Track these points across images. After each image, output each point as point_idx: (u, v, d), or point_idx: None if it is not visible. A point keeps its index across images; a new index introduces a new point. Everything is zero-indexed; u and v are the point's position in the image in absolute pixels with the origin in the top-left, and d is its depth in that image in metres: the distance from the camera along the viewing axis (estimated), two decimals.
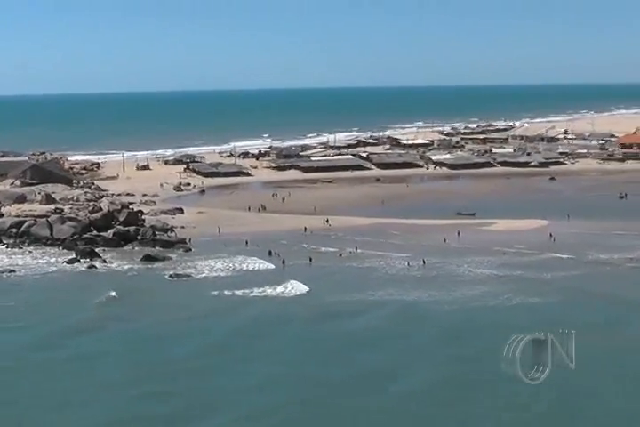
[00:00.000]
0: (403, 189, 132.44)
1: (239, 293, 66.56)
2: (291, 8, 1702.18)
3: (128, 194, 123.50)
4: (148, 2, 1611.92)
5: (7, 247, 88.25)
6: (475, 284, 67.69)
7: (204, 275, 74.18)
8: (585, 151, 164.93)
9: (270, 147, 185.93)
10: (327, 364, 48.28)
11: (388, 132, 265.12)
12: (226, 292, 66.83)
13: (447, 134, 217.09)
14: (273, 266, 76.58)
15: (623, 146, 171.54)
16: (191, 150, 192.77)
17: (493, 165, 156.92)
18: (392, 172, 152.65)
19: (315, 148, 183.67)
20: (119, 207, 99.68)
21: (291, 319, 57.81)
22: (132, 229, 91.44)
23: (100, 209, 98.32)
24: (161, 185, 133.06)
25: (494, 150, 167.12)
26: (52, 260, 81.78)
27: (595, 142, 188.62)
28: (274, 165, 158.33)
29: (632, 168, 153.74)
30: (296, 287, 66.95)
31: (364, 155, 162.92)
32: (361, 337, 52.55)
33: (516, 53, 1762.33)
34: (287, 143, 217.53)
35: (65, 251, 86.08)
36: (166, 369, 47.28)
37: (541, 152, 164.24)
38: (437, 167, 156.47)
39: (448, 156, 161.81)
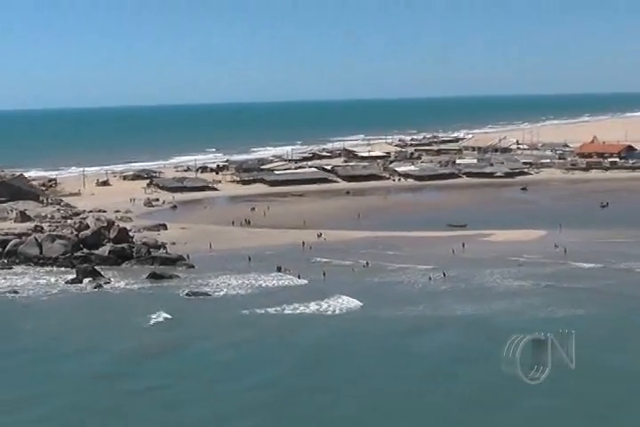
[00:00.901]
0: (381, 202, 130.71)
1: (271, 310, 63.41)
2: (230, 24, 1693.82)
3: (100, 210, 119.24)
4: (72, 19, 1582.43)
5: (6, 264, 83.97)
6: (512, 296, 65.76)
7: (222, 293, 70.91)
8: (549, 161, 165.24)
9: (227, 161, 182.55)
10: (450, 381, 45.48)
11: (329, 146, 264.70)
12: (257, 310, 63.60)
13: (402, 146, 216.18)
14: (295, 282, 73.71)
15: (582, 155, 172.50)
16: (141, 165, 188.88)
17: (459, 176, 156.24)
18: (359, 184, 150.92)
19: (272, 161, 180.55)
20: (105, 224, 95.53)
21: (367, 336, 54.85)
22: (126, 246, 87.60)
23: (88, 226, 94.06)
24: (131, 201, 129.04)
25: (458, 161, 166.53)
26: (53, 280, 77.70)
27: (549, 153, 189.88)
28: (237, 178, 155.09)
29: (598, 177, 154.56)
30: (347, 302, 64.15)
31: (329, 167, 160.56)
32: (458, 354, 49.90)
33: (439, 67, 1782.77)
34: (235, 157, 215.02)
35: (61, 270, 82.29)
36: (259, 399, 43.61)
37: (504, 162, 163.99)
38: (403, 179, 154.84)
39: (412, 167, 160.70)
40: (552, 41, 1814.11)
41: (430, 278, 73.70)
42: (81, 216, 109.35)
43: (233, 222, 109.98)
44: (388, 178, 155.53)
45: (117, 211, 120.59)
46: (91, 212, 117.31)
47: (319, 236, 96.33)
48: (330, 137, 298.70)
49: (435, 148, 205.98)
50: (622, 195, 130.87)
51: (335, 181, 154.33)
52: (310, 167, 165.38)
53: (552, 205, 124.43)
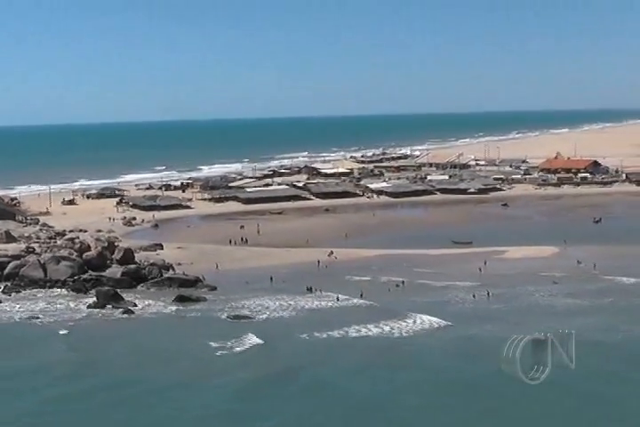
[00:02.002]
0: (369, 219, 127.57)
1: (335, 334, 59.88)
2: (167, 41, 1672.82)
3: (80, 230, 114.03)
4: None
5: (4, 291, 78.42)
6: (578, 315, 63.20)
7: (265, 316, 66.98)
8: (520, 177, 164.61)
9: (190, 178, 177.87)
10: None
11: (275, 163, 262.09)
12: (316, 333, 59.95)
13: (361, 162, 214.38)
14: (338, 303, 70.22)
15: (548, 171, 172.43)
16: (92, 184, 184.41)
17: (433, 193, 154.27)
18: (334, 201, 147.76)
19: (235, 179, 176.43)
20: (106, 244, 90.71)
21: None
22: (139, 267, 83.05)
23: (89, 247, 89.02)
24: (110, 220, 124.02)
25: (429, 177, 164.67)
26: (72, 304, 72.78)
27: (509, 168, 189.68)
28: (208, 196, 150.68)
29: (573, 192, 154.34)
30: (428, 321, 60.92)
31: (301, 184, 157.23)
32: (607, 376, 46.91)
33: (368, 86, 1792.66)
34: (187, 175, 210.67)
35: (73, 294, 77.28)
36: None
37: (474, 179, 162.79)
38: (376, 196, 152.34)
39: (385, 184, 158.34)
40: (472, 60, 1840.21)
41: (474, 296, 71.08)
42: (69, 236, 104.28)
43: (230, 241, 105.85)
44: (362, 195, 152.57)
45: (99, 230, 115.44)
46: (72, 231, 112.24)
47: (330, 254, 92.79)
48: (274, 154, 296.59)
49: (395, 164, 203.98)
50: (609, 210, 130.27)
51: (309, 199, 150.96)
52: (280, 184, 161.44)
53: (544, 220, 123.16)
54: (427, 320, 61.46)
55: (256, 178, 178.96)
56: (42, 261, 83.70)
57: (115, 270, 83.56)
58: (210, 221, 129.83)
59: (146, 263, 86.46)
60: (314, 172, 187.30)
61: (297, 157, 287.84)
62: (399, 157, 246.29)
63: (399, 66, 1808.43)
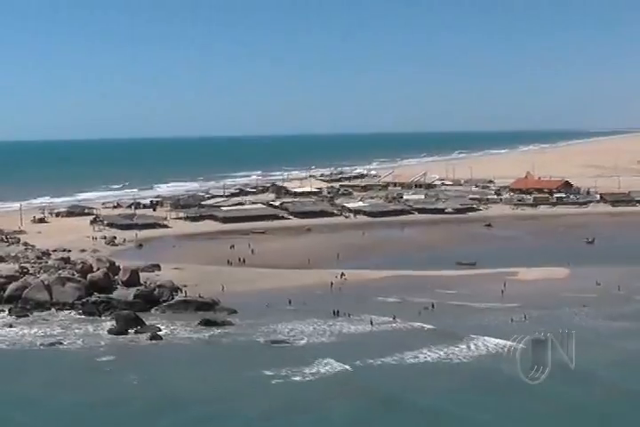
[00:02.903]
0: (359, 239, 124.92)
1: (390, 360, 57.15)
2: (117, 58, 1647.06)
3: (64, 249, 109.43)
4: None
5: (10, 314, 74.04)
6: (629, 338, 61.58)
7: (304, 341, 64.10)
8: (495, 197, 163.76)
9: (158, 196, 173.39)
10: None
11: (228, 181, 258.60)
12: (370, 360, 57.11)
13: (329, 181, 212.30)
14: (377, 327, 67.59)
15: (519, 191, 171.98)
16: (46, 201, 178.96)
17: (411, 213, 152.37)
18: (313, 221, 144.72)
19: (205, 197, 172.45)
20: (108, 265, 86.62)
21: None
22: (149, 289, 79.31)
23: (91, 267, 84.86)
24: (93, 239, 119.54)
25: (405, 197, 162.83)
26: (90, 329, 68.78)
27: (475, 188, 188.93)
28: (183, 215, 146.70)
29: (551, 213, 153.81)
30: (494, 344, 58.39)
31: (276, 203, 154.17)
32: None
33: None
34: (145, 193, 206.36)
35: (85, 317, 73.54)
36: None
37: (449, 199, 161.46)
38: (353, 215, 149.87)
39: (361, 203, 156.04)
40: (397, 82, 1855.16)
41: (512, 320, 68.90)
42: (59, 256, 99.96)
43: (228, 261, 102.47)
44: (340, 214, 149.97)
45: (83, 250, 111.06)
46: (55, 251, 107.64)
47: (342, 276, 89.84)
48: (228, 172, 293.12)
49: (362, 184, 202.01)
50: (594, 230, 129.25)
51: (287, 218, 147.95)
52: (254, 203, 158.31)
53: (535, 241, 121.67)
54: (491, 342, 58.97)
55: (225, 196, 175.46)
56: (46, 283, 79.39)
57: (123, 292, 79.79)
58: (193, 241, 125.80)
59: (152, 285, 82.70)
60: (283, 190, 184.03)
61: (250, 176, 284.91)
62: (356, 177, 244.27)
63: (331, 87, 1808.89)
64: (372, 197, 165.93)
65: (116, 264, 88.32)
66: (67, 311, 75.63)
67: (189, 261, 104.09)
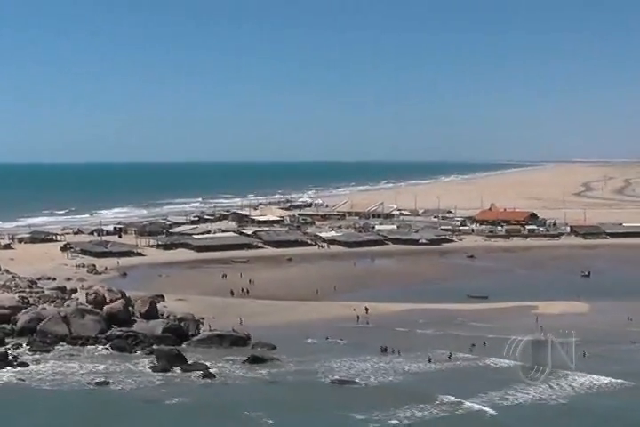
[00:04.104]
0: (352, 270, 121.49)
1: (498, 399, 53.60)
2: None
3: (49, 278, 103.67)
4: None
5: (31, 349, 68.36)
6: None
7: (372, 380, 60.03)
8: (467, 228, 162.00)
9: (120, 223, 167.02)
10: None
11: (168, 208, 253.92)
12: (470, 404, 53.53)
13: (286, 209, 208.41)
14: (440, 365, 64.03)
15: (484, 222, 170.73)
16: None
17: (385, 243, 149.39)
18: (289, 250, 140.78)
19: (170, 225, 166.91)
20: (120, 296, 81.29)
21: None
22: (177, 323, 74.34)
23: (104, 298, 79.41)
24: (77, 266, 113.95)
25: (378, 227, 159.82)
26: (131, 366, 63.63)
27: (434, 219, 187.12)
28: (153, 242, 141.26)
29: (526, 245, 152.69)
30: (596, 380, 55.27)
31: (248, 232, 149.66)
32: None
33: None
34: (93, 219, 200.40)
35: (116, 352, 68.27)
36: None
37: (419, 230, 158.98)
38: (326, 245, 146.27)
39: (334, 233, 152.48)
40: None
41: (585, 355, 66.09)
42: (54, 285, 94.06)
43: (232, 292, 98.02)
44: (314, 244, 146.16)
45: (68, 278, 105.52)
46: (39, 279, 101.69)
47: (367, 311, 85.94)
48: (168, 199, 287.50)
49: (320, 213, 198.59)
50: (583, 263, 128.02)
51: (261, 247, 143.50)
52: (224, 231, 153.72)
53: (528, 274, 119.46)
54: (589, 378, 56.02)
55: (189, 224, 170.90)
56: (62, 315, 73.85)
57: (143, 326, 74.72)
58: (175, 269, 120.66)
59: (171, 317, 77.78)
60: (245, 218, 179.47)
61: (190, 203, 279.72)
62: (303, 205, 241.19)
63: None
64: (341, 227, 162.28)
65: (127, 296, 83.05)
66: (91, 346, 69.94)
67: (186, 291, 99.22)
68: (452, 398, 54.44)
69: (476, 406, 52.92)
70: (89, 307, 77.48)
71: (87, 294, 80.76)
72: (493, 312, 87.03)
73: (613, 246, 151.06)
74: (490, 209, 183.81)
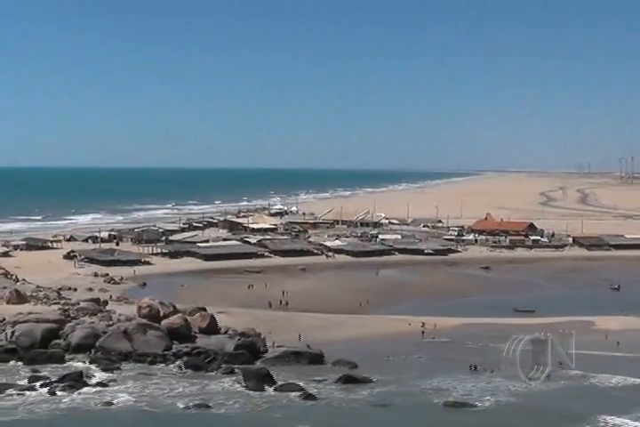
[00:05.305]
0: (375, 281, 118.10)
1: None
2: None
3: (70, 288, 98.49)
4: None
5: (98, 367, 63.48)
6: None
7: (486, 402, 56.13)
8: (471, 238, 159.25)
9: (112, 230, 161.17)
10: None
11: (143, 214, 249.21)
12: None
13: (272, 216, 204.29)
14: (546, 385, 60.38)
15: (483, 232, 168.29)
16: None
17: (392, 253, 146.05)
18: (297, 260, 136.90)
19: (157, 231, 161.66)
20: (171, 309, 76.45)
21: None
22: (249, 339, 69.99)
23: (158, 312, 74.51)
24: (95, 276, 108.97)
25: (382, 236, 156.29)
26: (221, 387, 59.08)
27: (425, 228, 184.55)
28: (157, 250, 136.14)
29: (532, 256, 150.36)
30: None
31: (253, 241, 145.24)
32: None
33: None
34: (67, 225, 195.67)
35: (191, 371, 63.53)
36: None
37: (422, 240, 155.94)
38: (331, 255, 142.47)
39: (339, 242, 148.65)
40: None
41: None
42: (87, 297, 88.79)
43: (270, 304, 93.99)
44: (321, 253, 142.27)
45: (90, 289, 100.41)
46: (60, 289, 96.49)
47: (423, 325, 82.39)
48: (135, 205, 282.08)
49: (310, 221, 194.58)
50: (602, 275, 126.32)
51: (268, 256, 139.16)
52: (225, 240, 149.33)
53: (558, 287, 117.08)
54: None
55: (180, 230, 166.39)
56: (122, 329, 68.90)
57: (206, 341, 70.08)
58: (194, 279, 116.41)
59: (230, 332, 73.24)
60: (239, 226, 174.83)
61: (161, 209, 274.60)
62: (279, 213, 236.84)
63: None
64: (346, 236, 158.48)
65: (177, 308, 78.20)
66: (160, 365, 65.17)
67: (217, 303, 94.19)
68: (609, 418, 50.97)
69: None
70: (144, 321, 72.42)
71: (140, 307, 75.45)
72: (552, 328, 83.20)
73: (619, 259, 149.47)
74: (486, 219, 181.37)
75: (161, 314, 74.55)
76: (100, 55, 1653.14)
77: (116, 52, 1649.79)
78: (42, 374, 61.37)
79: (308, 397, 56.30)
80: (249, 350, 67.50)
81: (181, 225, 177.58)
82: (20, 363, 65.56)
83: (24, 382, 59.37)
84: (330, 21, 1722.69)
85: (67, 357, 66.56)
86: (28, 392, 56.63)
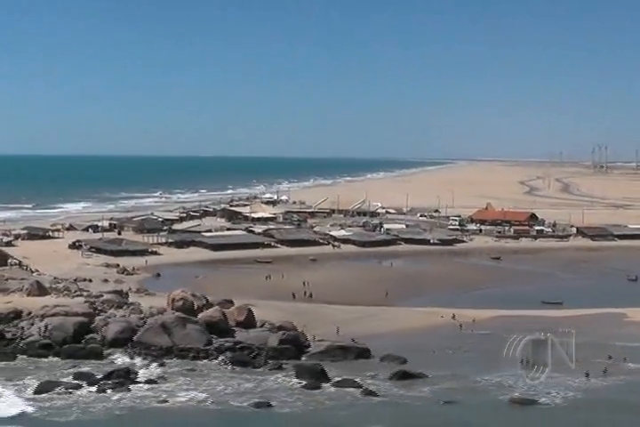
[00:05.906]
0: (391, 271, 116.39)
1: None
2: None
3: (84, 279, 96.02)
4: None
5: (146, 361, 61.65)
6: None
7: (550, 398, 54.45)
8: (474, 228, 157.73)
9: (112, 218, 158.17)
10: None
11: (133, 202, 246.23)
12: None
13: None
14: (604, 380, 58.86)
15: (484, 222, 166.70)
16: None
17: (397, 243, 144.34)
18: (304, 250, 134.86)
19: (163, 221, 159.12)
20: (205, 302, 74.36)
21: None
22: (294, 333, 68.05)
23: (192, 305, 72.35)
24: (108, 266, 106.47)
25: (387, 226, 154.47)
26: (274, 384, 57.06)
27: (423, 218, 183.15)
28: (162, 240, 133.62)
29: (537, 246, 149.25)
30: None
31: (258, 230, 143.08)
32: None
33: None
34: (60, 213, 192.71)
35: (237, 367, 61.22)
36: None
37: (428, 229, 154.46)
38: (336, 245, 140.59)
39: (344, 232, 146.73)
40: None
41: None
42: (111, 288, 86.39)
43: (294, 296, 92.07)
44: (327, 243, 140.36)
45: (106, 280, 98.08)
46: (76, 280, 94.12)
47: (454, 317, 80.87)
48: (120, 193, 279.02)
49: (307, 210, 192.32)
50: (614, 265, 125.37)
51: (275, 246, 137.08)
52: (229, 229, 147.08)
53: (575, 278, 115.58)
54: None
55: (179, 220, 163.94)
56: (160, 323, 66.67)
57: (245, 335, 68.02)
58: (207, 270, 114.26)
59: (267, 326, 71.21)
60: (238, 216, 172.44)
61: (148, 197, 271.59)
62: (269, 201, 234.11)
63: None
64: (349, 226, 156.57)
65: (210, 301, 76.11)
66: (204, 360, 63.04)
67: (238, 295, 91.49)
68: None
69: None
70: (184, 315, 70.01)
71: (173, 299, 73.13)
72: (585, 320, 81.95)
73: (624, 249, 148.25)
74: (486, 208, 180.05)
75: (195, 307, 72.41)
76: (99, 44, 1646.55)
77: (115, 40, 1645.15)
78: (84, 370, 58.98)
79: (370, 393, 54.46)
80: (294, 344, 65.54)
81: (179, 214, 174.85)
82: (56, 358, 63.29)
83: (68, 379, 57.07)
84: (330, 11, 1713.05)
85: (104, 352, 64.18)
86: (75, 391, 54.34)
